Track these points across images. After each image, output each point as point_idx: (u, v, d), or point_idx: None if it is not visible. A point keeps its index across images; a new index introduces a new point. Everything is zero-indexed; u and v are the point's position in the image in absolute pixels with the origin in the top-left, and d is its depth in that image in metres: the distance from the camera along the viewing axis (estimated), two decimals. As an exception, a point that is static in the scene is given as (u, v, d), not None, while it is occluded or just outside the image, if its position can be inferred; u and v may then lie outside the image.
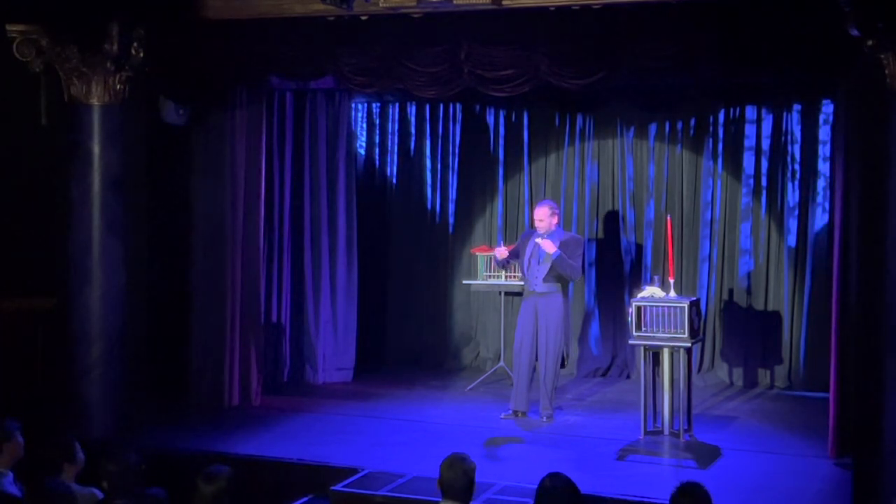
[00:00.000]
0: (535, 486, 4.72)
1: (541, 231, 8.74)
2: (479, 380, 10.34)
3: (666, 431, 8.01)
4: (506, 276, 10.03)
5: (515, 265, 9.37)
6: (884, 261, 6.53)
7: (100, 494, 5.37)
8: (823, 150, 10.00)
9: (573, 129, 10.88)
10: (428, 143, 11.32)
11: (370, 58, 8.27)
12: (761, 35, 7.34)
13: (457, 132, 11.26)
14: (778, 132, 10.22)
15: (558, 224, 8.86)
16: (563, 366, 9.12)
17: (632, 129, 10.68)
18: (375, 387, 10.28)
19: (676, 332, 7.86)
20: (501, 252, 9.05)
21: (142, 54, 7.84)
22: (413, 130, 11.36)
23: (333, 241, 10.50)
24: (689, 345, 7.89)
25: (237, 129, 9.37)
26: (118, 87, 7.83)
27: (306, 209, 10.46)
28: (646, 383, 8.11)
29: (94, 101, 7.78)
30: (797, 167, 10.17)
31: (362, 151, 11.36)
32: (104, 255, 7.83)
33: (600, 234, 10.79)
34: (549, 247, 8.61)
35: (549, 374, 8.74)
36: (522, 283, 9.09)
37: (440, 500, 4.92)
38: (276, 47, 8.33)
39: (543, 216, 8.74)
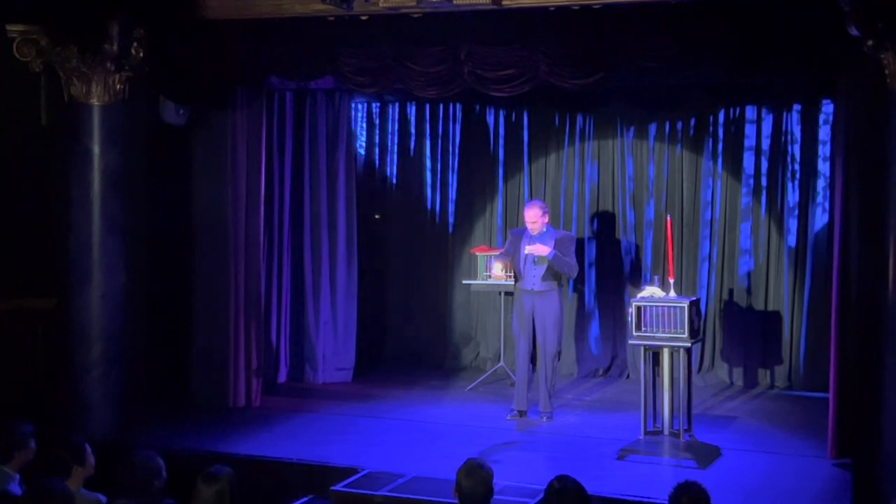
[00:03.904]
0: (535, 486, 4.73)
1: (533, 232, 8.73)
2: (479, 380, 10.34)
3: (666, 431, 8.00)
4: (506, 276, 10.02)
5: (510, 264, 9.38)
6: (884, 261, 6.53)
7: (104, 500, 5.37)
8: (823, 150, 10.00)
9: (573, 129, 10.88)
10: (428, 143, 11.32)
11: (370, 58, 8.27)
12: (761, 35, 7.34)
13: (457, 132, 11.27)
14: (778, 132, 10.22)
15: (550, 223, 8.87)
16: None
17: (632, 129, 10.67)
18: (375, 387, 10.29)
19: (676, 332, 7.86)
20: (497, 274, 9.02)
21: (142, 54, 7.84)
22: (413, 130, 11.36)
23: (333, 240, 10.50)
24: (689, 345, 7.88)
25: (237, 129, 9.37)
26: (118, 87, 7.83)
27: (306, 209, 10.46)
28: (646, 383, 8.11)
29: (94, 101, 7.78)
30: (797, 167, 10.17)
31: (362, 151, 11.36)
32: (104, 255, 7.82)
33: (600, 234, 10.79)
34: (542, 250, 8.61)
35: (548, 374, 8.75)
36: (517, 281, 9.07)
37: None
38: (276, 47, 8.33)
39: (536, 217, 8.73)
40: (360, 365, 10.69)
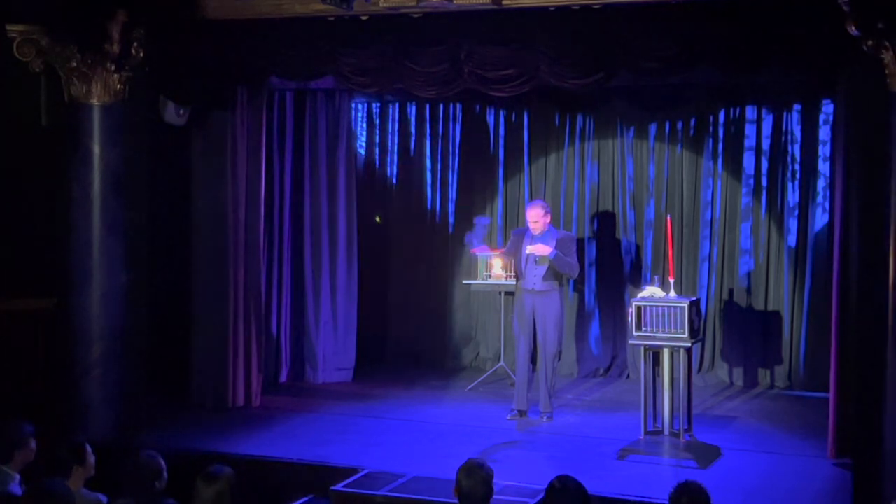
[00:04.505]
0: (535, 486, 4.73)
1: (535, 232, 8.74)
2: (479, 380, 10.34)
3: (666, 431, 8.00)
4: (506, 277, 10.02)
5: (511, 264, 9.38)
6: (884, 261, 6.53)
7: (104, 500, 5.37)
8: (823, 150, 10.00)
9: (573, 129, 10.88)
10: (428, 143, 11.32)
11: (370, 58, 8.27)
12: (761, 35, 7.34)
13: (457, 132, 11.27)
14: (778, 132, 10.22)
15: (551, 223, 8.88)
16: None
17: (632, 129, 10.67)
18: (375, 387, 10.29)
19: (676, 332, 7.86)
20: (497, 273, 9.11)
21: (142, 54, 7.83)
22: (413, 130, 11.36)
23: (333, 241, 10.50)
24: (689, 345, 7.88)
25: (237, 129, 9.37)
26: (118, 87, 7.83)
27: (306, 209, 10.46)
28: (646, 383, 8.11)
29: (94, 101, 7.78)
30: (797, 167, 10.17)
31: (362, 151, 11.36)
32: (104, 255, 7.82)
33: (600, 234, 10.79)
34: (543, 250, 8.61)
35: (549, 374, 8.75)
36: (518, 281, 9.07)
37: None
38: (276, 47, 8.33)
39: (538, 217, 8.74)
40: (360, 365, 10.69)
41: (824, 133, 9.98)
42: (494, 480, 4.99)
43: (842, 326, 7.62)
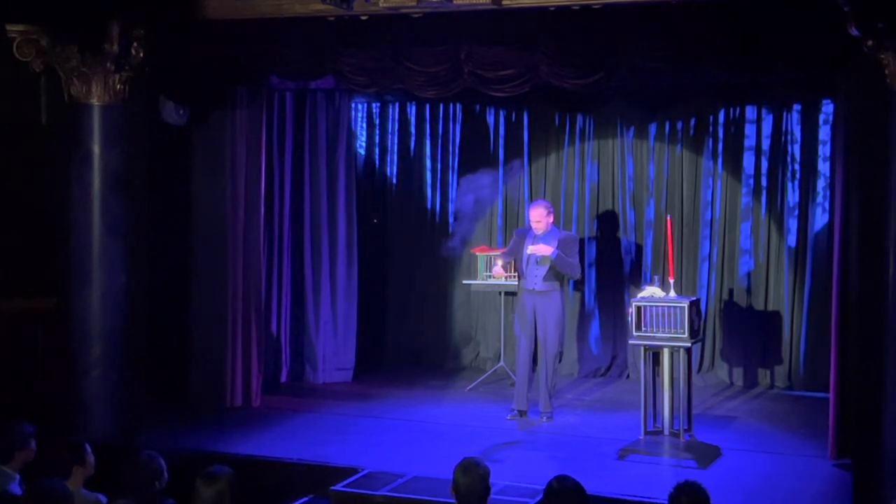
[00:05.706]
0: (535, 486, 4.73)
1: (537, 231, 8.74)
2: (479, 380, 10.34)
3: (666, 431, 8.01)
4: (506, 277, 10.01)
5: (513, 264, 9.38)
6: (884, 261, 6.53)
7: (104, 500, 5.37)
8: (823, 150, 10.01)
9: (573, 129, 10.88)
10: (428, 143, 11.32)
11: (370, 58, 8.27)
12: (761, 35, 7.35)
13: (457, 132, 11.26)
14: (778, 132, 10.22)
15: (553, 223, 8.88)
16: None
17: (632, 129, 10.67)
18: (375, 387, 10.29)
19: (676, 332, 7.86)
20: (498, 272, 9.10)
21: (142, 54, 7.84)
22: (413, 130, 11.36)
23: (333, 241, 10.50)
24: (689, 345, 7.88)
25: (237, 129, 9.37)
26: (118, 86, 7.82)
27: (306, 209, 10.46)
28: (646, 383, 8.11)
29: (94, 101, 7.78)
30: (797, 167, 10.17)
31: (362, 151, 11.36)
32: (104, 255, 7.82)
33: (600, 234, 10.79)
34: (545, 250, 8.61)
35: (549, 374, 8.75)
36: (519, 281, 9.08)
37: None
38: (276, 47, 8.33)
39: (540, 217, 8.74)
40: (360, 365, 10.69)
41: (824, 133, 9.98)
42: (494, 480, 4.99)
43: (842, 326, 7.62)
